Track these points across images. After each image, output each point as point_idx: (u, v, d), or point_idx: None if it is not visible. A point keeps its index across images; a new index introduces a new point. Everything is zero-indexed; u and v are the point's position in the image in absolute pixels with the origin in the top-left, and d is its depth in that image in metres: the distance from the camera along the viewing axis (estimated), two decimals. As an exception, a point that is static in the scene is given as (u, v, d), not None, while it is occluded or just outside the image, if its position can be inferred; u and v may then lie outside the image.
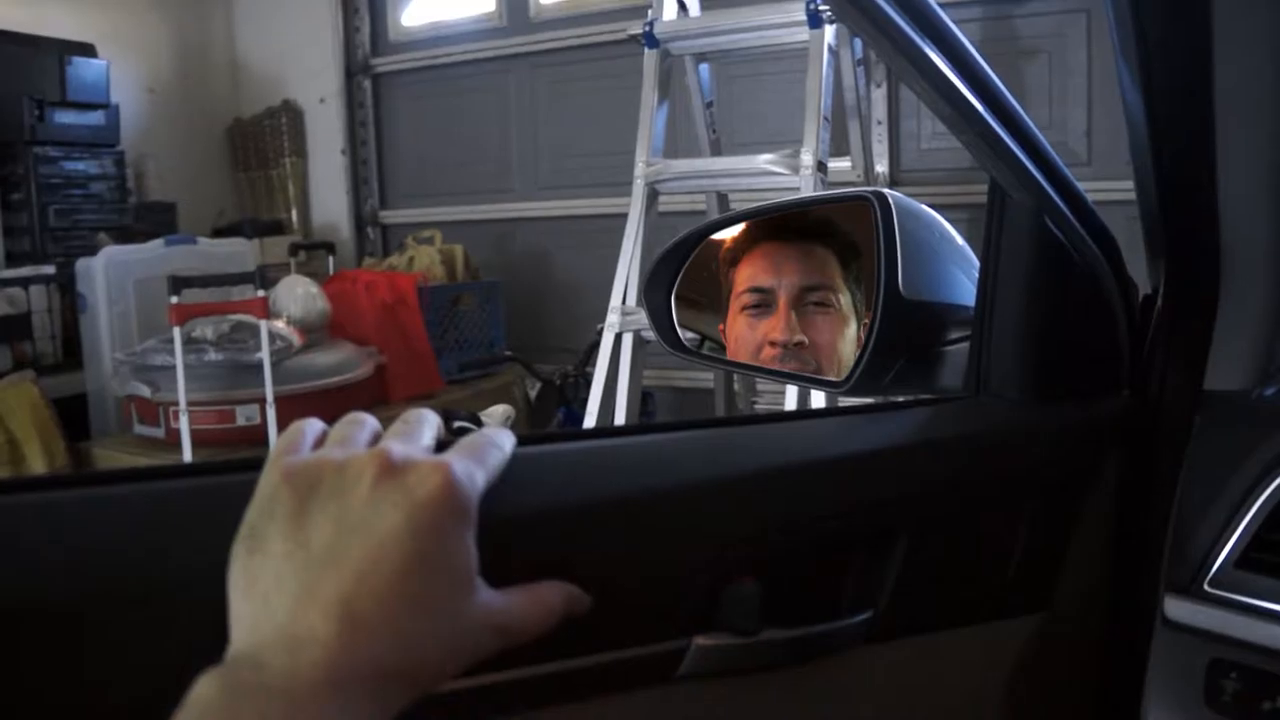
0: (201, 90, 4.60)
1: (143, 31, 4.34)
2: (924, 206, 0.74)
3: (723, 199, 2.82)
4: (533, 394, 3.79)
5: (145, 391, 2.99)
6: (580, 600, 0.45)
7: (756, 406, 3.07)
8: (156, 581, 0.41)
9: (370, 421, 0.45)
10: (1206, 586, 0.58)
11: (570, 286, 4.02)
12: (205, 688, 0.34)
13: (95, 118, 3.87)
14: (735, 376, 2.97)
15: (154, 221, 4.04)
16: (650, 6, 2.59)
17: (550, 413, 3.42)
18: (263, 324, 2.93)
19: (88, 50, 3.88)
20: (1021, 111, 0.60)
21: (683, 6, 2.58)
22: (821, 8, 2.32)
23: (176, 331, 2.85)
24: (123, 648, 0.40)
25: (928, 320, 0.72)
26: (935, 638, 0.63)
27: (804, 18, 2.36)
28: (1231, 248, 0.66)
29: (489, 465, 0.44)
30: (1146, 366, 0.69)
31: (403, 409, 0.47)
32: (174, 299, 2.86)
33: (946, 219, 0.76)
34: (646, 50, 2.53)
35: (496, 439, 0.46)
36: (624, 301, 2.42)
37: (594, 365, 2.47)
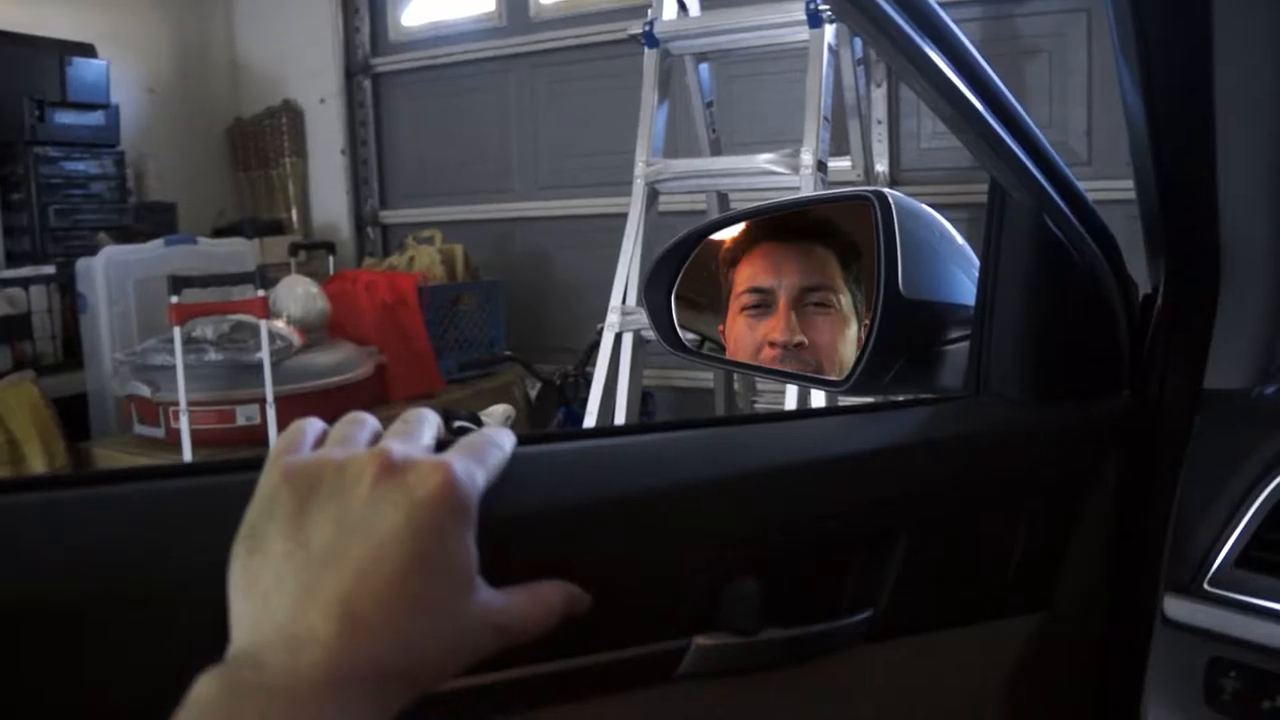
0: (201, 90, 4.60)
1: (143, 31, 4.34)
2: (924, 206, 0.74)
3: (723, 199, 2.82)
4: (533, 394, 3.79)
5: (145, 391, 2.99)
6: (580, 600, 0.45)
7: (756, 406, 3.07)
8: (156, 581, 0.41)
9: (370, 421, 0.45)
10: (1206, 586, 0.58)
11: (570, 286, 4.02)
12: (205, 687, 0.34)
13: (95, 118, 3.87)
14: (735, 376, 2.97)
15: (154, 221, 4.05)
16: (650, 6, 2.59)
17: (550, 412, 3.42)
18: (263, 324, 2.93)
19: (88, 50, 3.88)
20: (1021, 111, 0.60)
21: (683, 6, 2.58)
22: (821, 7, 2.32)
23: (176, 331, 2.85)
24: (123, 648, 0.40)
25: (928, 320, 0.72)
26: (935, 637, 0.63)
27: (804, 17, 2.36)
28: (1231, 247, 0.66)
29: (489, 465, 0.44)
30: (1146, 366, 0.69)
31: (403, 409, 0.47)
32: (174, 299, 2.86)
33: (946, 218, 0.76)
34: (646, 50, 2.53)
35: (496, 439, 0.46)
36: (624, 301, 2.42)
37: (594, 365, 2.47)
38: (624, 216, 2.47)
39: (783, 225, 0.88)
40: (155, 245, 3.52)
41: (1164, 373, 0.68)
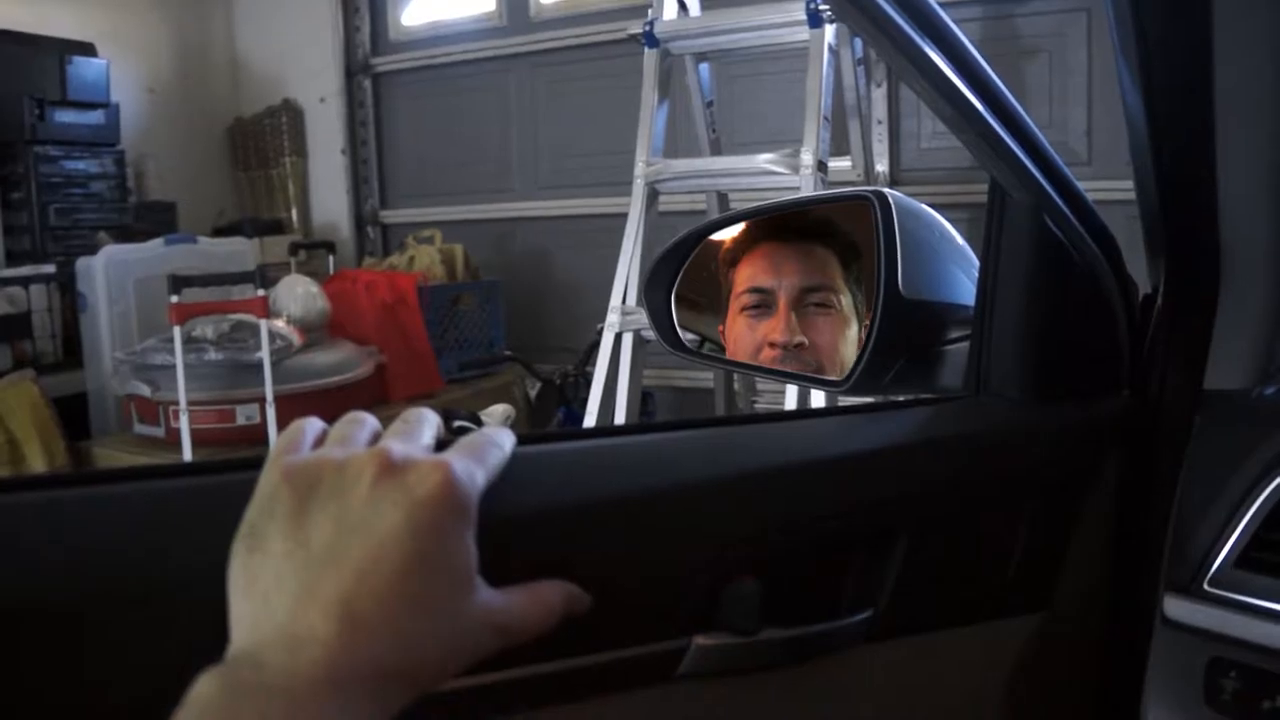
0: (201, 90, 4.60)
1: (143, 31, 4.34)
2: (924, 206, 0.74)
3: (723, 199, 2.82)
4: (533, 394, 3.79)
5: (145, 391, 2.99)
6: (580, 600, 0.45)
7: (756, 406, 3.07)
8: (156, 581, 0.41)
9: (370, 421, 0.45)
10: (1206, 586, 0.58)
11: (570, 286, 4.02)
12: (205, 687, 0.34)
13: (95, 117, 3.87)
14: (735, 376, 2.97)
15: (154, 221, 4.05)
16: (650, 6, 2.59)
17: (550, 412, 3.42)
18: (263, 323, 2.93)
19: (88, 50, 3.88)
20: (1021, 111, 0.60)
21: (683, 6, 2.58)
22: (821, 7, 2.32)
23: (176, 331, 2.85)
24: (123, 648, 0.40)
25: (928, 320, 0.72)
26: (935, 637, 0.63)
27: (804, 17, 2.36)
28: (1231, 247, 0.66)
29: (489, 464, 0.44)
30: (1146, 366, 0.69)
31: (403, 408, 0.47)
32: (174, 298, 2.86)
33: (946, 218, 0.76)
34: (646, 50, 2.53)
35: (496, 438, 0.46)
36: (624, 301, 2.42)
37: (594, 365, 2.47)
38: (624, 216, 2.47)
39: (783, 225, 0.88)
40: (155, 244, 3.53)
41: (1164, 373, 0.68)
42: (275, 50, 4.61)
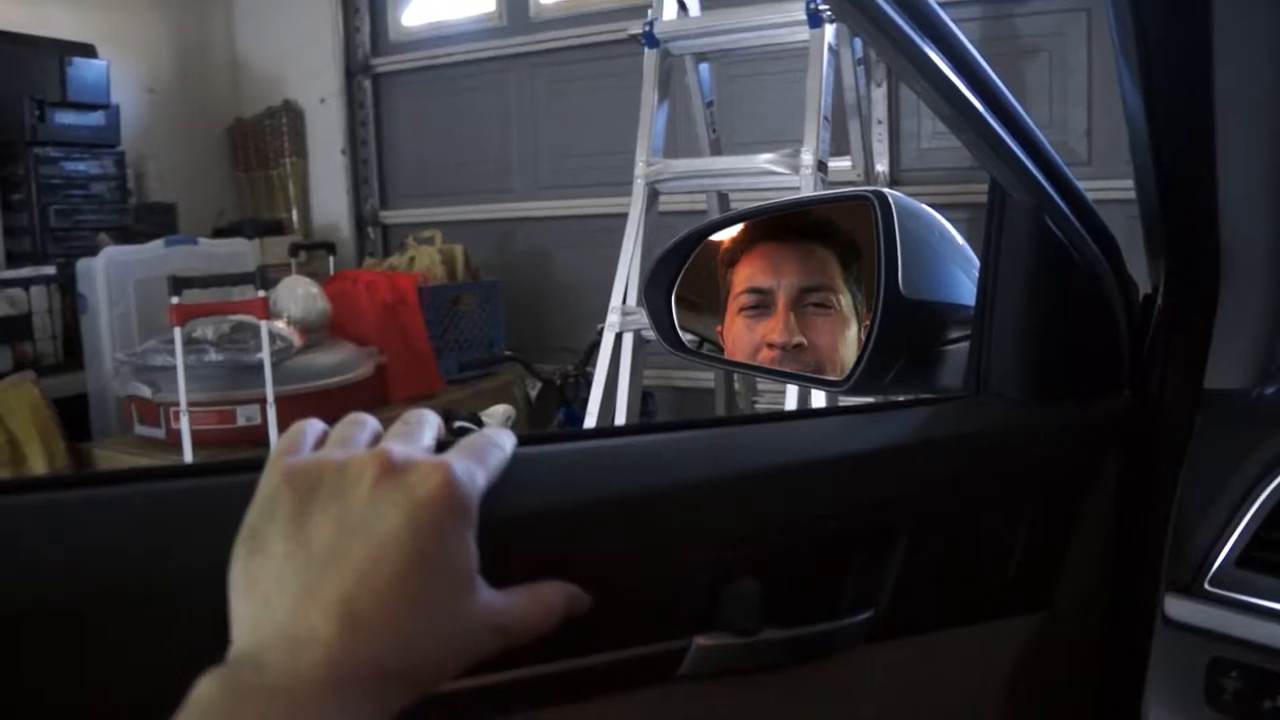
0: (201, 90, 4.60)
1: (143, 31, 4.34)
2: (924, 206, 0.74)
3: (723, 199, 2.82)
4: (533, 394, 3.79)
5: (146, 392, 2.99)
6: (580, 600, 0.45)
7: (757, 406, 3.07)
8: (156, 582, 0.41)
9: (371, 422, 0.45)
10: (1207, 585, 0.58)
11: (570, 286, 4.02)
12: (206, 688, 0.34)
13: (95, 118, 3.87)
14: (735, 376, 2.97)
15: (154, 222, 4.04)
16: (650, 6, 2.59)
17: (550, 413, 3.42)
18: (263, 324, 2.93)
19: (88, 50, 3.88)
20: (1021, 111, 0.60)
21: (683, 6, 2.58)
22: (821, 7, 2.32)
23: (177, 332, 2.85)
24: (123, 648, 0.40)
25: (928, 320, 0.72)
26: (935, 637, 0.63)
27: (804, 17, 2.36)
28: (1231, 247, 0.66)
29: (489, 465, 0.44)
30: (1147, 366, 0.69)
31: (403, 409, 0.47)
32: (174, 299, 2.86)
33: (946, 218, 0.76)
34: (646, 50, 2.53)
35: (497, 439, 0.46)
36: (624, 301, 2.42)
37: (594, 365, 2.47)
38: (624, 216, 2.47)
39: (783, 225, 0.88)
40: (155, 246, 3.52)
41: (1164, 373, 0.68)
42: (275, 50, 4.61)
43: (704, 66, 2.74)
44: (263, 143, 4.62)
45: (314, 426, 0.45)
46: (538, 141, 4.18)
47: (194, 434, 2.84)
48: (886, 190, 0.72)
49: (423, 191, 4.47)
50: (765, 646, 0.55)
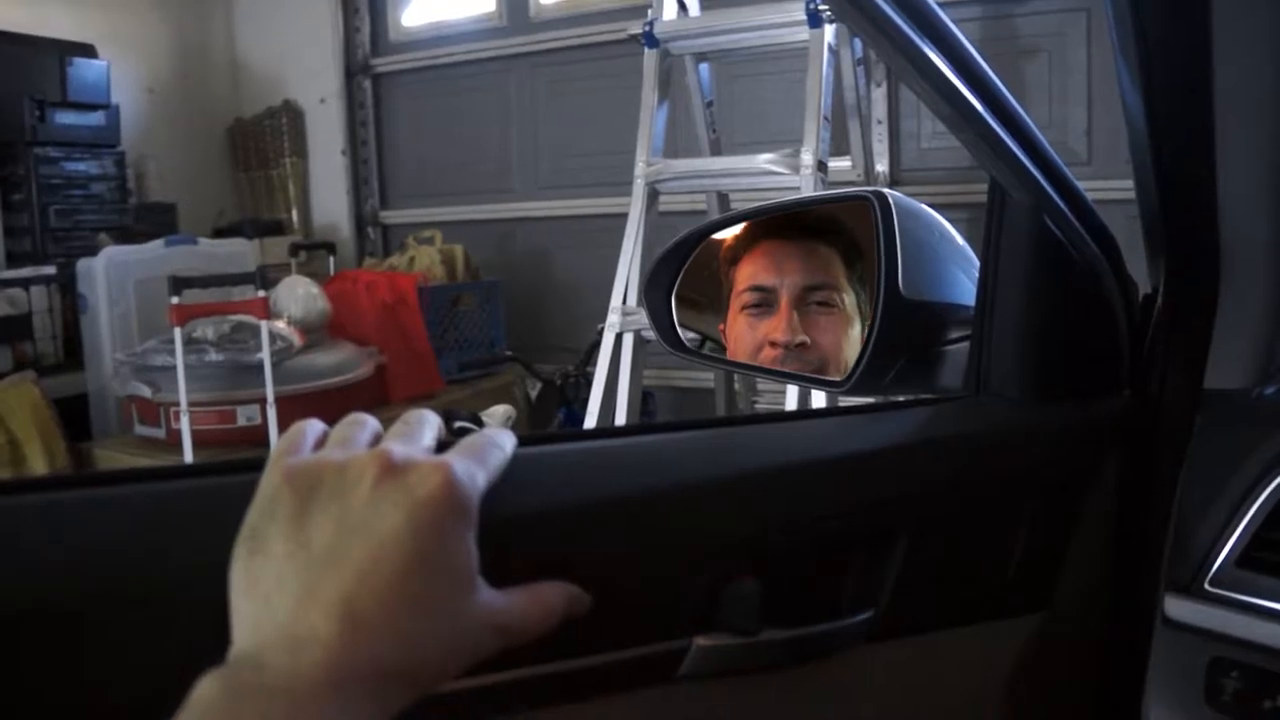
0: (201, 90, 4.60)
1: (143, 31, 4.34)
2: (924, 206, 0.74)
3: (723, 199, 2.82)
4: (533, 394, 3.79)
5: (146, 392, 2.99)
6: (580, 600, 0.45)
7: (757, 406, 3.07)
8: (156, 581, 0.41)
9: (371, 422, 0.45)
10: (1207, 585, 0.58)
11: (570, 286, 4.02)
12: (207, 689, 0.34)
13: (96, 118, 3.87)
14: (735, 376, 2.97)
15: (154, 222, 4.04)
16: (650, 6, 2.59)
17: (551, 413, 3.42)
18: (263, 324, 2.93)
19: (88, 51, 3.88)
20: (1021, 111, 0.60)
21: (683, 6, 2.58)
22: (821, 7, 2.32)
23: (177, 332, 2.85)
24: (123, 648, 0.40)
25: (928, 320, 0.72)
26: (935, 638, 0.63)
27: (804, 17, 2.36)
28: (1231, 247, 0.66)
29: (490, 465, 0.44)
30: (1147, 366, 0.69)
31: (403, 409, 0.47)
32: (175, 299, 2.86)
33: (946, 219, 0.76)
34: (646, 50, 2.53)
35: (497, 439, 0.46)
36: (624, 301, 2.42)
37: (594, 365, 2.47)
38: (624, 216, 2.47)
39: (786, 223, 0.88)
40: (155, 246, 3.52)
41: (1164, 373, 0.68)
42: (275, 51, 4.61)
43: (704, 66, 2.74)
44: (263, 143, 4.62)
45: (314, 427, 0.45)
46: (538, 141, 4.18)
47: (194, 434, 2.84)
48: (886, 190, 0.72)
49: (423, 191, 4.47)
50: (765, 647, 0.55)
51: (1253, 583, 0.57)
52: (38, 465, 3.03)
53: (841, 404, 0.82)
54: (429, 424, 0.45)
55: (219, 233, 4.28)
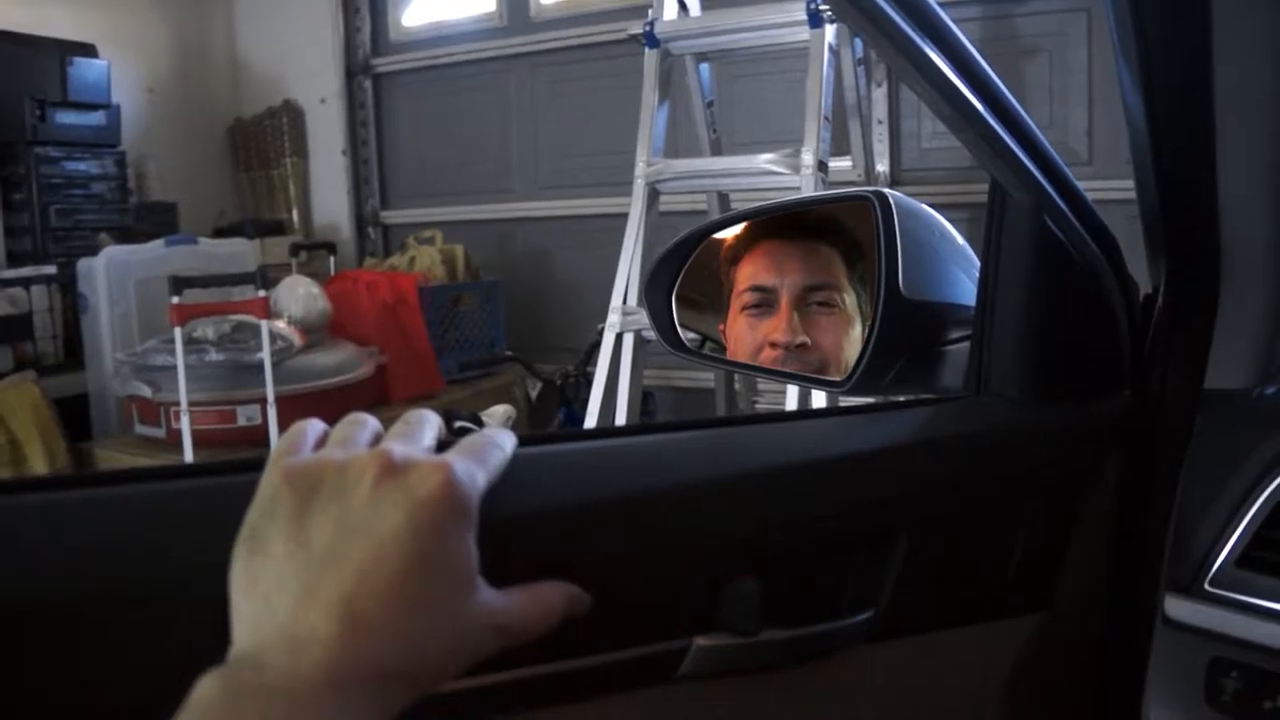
0: (202, 90, 4.60)
1: (143, 31, 4.34)
2: (924, 206, 0.74)
3: (723, 199, 2.82)
4: (533, 394, 3.79)
5: (146, 392, 2.99)
6: (580, 600, 0.45)
7: (757, 406, 3.07)
8: (156, 581, 0.41)
9: (371, 422, 0.45)
10: (1207, 586, 0.58)
11: (570, 286, 4.02)
12: (207, 688, 0.34)
13: (96, 118, 3.87)
14: (736, 376, 2.97)
15: (155, 221, 4.05)
16: (650, 6, 2.59)
17: (551, 413, 3.42)
18: (264, 324, 2.93)
19: (88, 50, 3.88)
20: (1021, 111, 0.60)
21: (683, 6, 2.58)
22: (822, 7, 2.32)
23: (177, 332, 2.85)
24: (123, 648, 0.40)
25: (928, 320, 0.72)
26: (935, 638, 0.63)
27: (804, 17, 2.36)
28: (1232, 247, 0.66)
29: (490, 465, 0.44)
30: (1147, 366, 0.69)
31: (403, 409, 0.47)
32: (175, 299, 2.86)
33: (947, 219, 0.76)
34: (647, 50, 2.53)
35: (497, 439, 0.46)
36: (625, 301, 2.42)
37: (594, 365, 2.47)
38: (624, 216, 2.47)
39: (786, 223, 0.88)
40: (156, 245, 3.52)
41: (1164, 373, 0.68)
42: (275, 50, 4.61)
43: (704, 66, 2.74)
44: (263, 143, 4.63)
45: (314, 426, 0.45)
46: (538, 141, 4.18)
47: (194, 434, 2.84)
48: (886, 190, 0.72)
49: (423, 191, 4.47)
50: (765, 647, 0.55)
51: (1253, 583, 0.57)
52: (38, 465, 3.04)
53: (841, 404, 0.82)
54: (429, 424, 0.45)
55: (219, 233, 4.28)
